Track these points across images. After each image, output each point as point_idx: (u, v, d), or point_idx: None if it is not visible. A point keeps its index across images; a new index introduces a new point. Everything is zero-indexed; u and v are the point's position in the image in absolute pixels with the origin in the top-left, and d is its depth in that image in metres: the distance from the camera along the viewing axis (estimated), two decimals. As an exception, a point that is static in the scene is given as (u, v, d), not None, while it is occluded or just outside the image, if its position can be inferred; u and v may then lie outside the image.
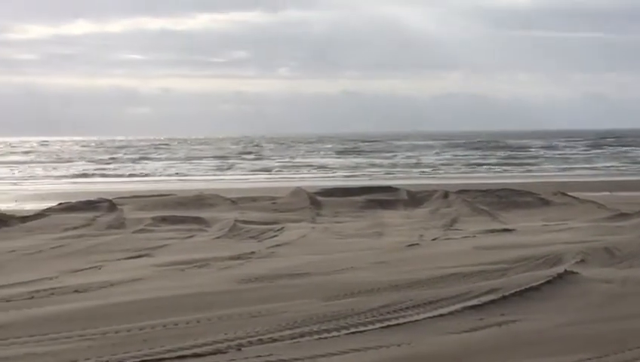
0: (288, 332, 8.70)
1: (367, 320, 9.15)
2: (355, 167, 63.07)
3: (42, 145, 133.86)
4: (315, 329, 8.76)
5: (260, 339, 8.38)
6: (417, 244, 16.59)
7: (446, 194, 26.81)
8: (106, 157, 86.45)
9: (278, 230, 19.92)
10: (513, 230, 19.10)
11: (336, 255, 15.22)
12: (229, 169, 63.29)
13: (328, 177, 51.94)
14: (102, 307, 10.32)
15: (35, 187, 45.24)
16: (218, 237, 19.06)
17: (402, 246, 16.23)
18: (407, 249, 15.91)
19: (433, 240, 17.60)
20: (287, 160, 76.39)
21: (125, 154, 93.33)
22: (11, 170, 64.05)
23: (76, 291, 11.67)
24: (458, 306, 9.58)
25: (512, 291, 10.09)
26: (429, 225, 20.88)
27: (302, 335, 8.56)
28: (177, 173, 58.30)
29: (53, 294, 11.46)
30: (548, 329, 8.65)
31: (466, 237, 17.95)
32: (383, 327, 8.83)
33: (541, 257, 13.12)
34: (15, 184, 48.77)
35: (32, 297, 11.24)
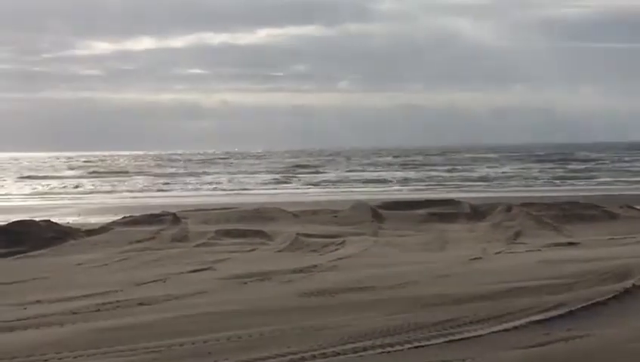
0: (351, 345, 8.67)
1: (430, 334, 9.09)
2: (416, 180, 62.82)
3: (102, 159, 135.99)
4: (378, 343, 8.73)
5: (323, 353, 8.37)
6: (480, 258, 16.44)
7: (509, 208, 26.53)
8: (169, 170, 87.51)
9: (340, 243, 19.93)
10: (578, 244, 18.82)
11: (399, 268, 15.15)
12: (289, 182, 63.53)
13: (389, 190, 51.82)
14: (166, 319, 10.42)
15: (99, 201, 45.98)
16: (280, 251, 19.14)
17: (465, 260, 16.10)
18: (470, 262, 15.78)
19: (496, 253, 17.42)
20: (347, 173, 76.41)
21: (187, 167, 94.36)
22: (75, 184, 65.18)
23: (141, 304, 11.81)
24: (523, 321, 9.46)
25: (579, 306, 9.93)
26: (492, 239, 20.69)
27: (365, 349, 8.53)
28: (238, 187, 58.71)
29: (118, 307, 11.62)
30: (615, 345, 8.49)
31: (530, 250, 17.74)
32: (446, 342, 8.76)
33: (607, 271, 12.88)
34: (79, 198, 49.64)
35: (98, 309, 11.40)
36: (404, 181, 62.47)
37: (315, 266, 15.81)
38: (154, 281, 14.55)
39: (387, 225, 24.40)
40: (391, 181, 62.48)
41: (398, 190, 52.40)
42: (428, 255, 17.76)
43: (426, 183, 59.29)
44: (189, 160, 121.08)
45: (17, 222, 22.00)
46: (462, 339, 8.84)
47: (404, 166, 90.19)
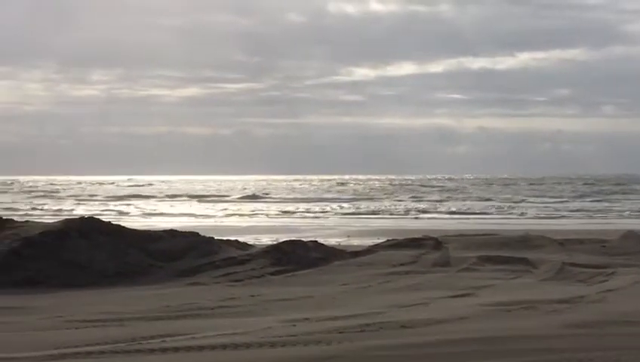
0: (622, 383, 8.28)
1: None
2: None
3: (359, 183, 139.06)
4: (651, 383, 8.27)
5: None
6: None
7: None
8: (425, 195, 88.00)
9: (609, 274, 19.11)
10: None
11: (675, 304, 14.26)
12: (559, 210, 61.65)
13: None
14: (428, 343, 10.46)
15: (361, 223, 47.13)
16: (544, 279, 18.66)
17: None
18: None
19: None
20: (621, 203, 72.89)
21: (442, 192, 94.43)
22: (335, 206, 67.20)
23: (404, 326, 11.92)
24: None
25: None
26: None
27: (636, 388, 8.11)
28: (499, 214, 57.93)
29: (382, 328, 11.80)
30: None
31: None
32: None
33: None
34: (340, 219, 51.21)
35: (363, 330, 11.64)
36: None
37: (582, 297, 15.25)
38: (416, 305, 14.66)
39: (661, 257, 23.04)
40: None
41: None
42: None
43: None
44: (443, 186, 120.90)
45: (287, 241, 22.98)
46: None
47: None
